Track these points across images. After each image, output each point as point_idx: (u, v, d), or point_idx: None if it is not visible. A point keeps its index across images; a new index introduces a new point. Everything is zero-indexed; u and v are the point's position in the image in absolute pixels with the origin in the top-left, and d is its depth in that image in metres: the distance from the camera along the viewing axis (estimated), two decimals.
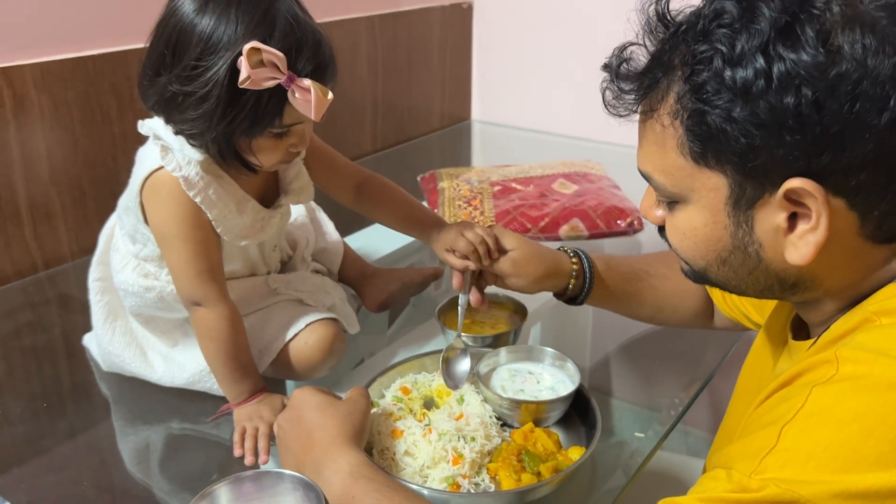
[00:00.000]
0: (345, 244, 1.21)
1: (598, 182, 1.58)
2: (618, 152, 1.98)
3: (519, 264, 0.96)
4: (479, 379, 0.92)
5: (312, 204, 1.21)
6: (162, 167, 0.88)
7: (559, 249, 1.00)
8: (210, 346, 0.93)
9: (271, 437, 0.90)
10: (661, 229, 0.71)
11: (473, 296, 0.99)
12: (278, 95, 0.81)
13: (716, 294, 0.99)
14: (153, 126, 0.90)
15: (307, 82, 0.80)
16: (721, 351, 1.12)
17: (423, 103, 2.12)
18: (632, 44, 0.64)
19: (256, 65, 0.77)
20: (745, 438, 0.58)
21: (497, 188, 1.55)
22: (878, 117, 0.54)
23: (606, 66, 0.65)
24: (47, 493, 0.87)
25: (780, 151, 0.56)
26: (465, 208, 1.47)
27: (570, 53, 2.04)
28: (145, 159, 0.91)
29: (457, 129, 2.25)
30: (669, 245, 0.70)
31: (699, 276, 0.70)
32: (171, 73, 0.81)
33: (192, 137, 0.86)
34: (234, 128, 0.83)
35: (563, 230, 1.42)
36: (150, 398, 1.01)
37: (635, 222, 1.44)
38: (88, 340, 1.08)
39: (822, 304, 0.67)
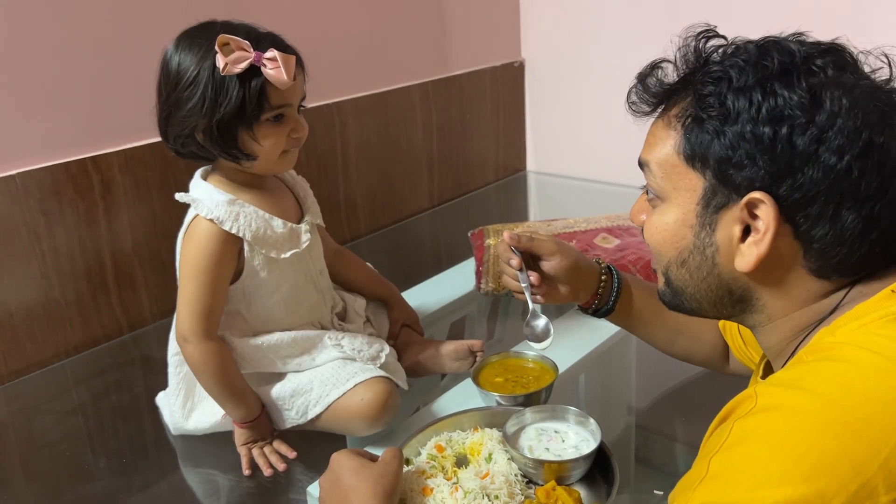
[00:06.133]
0: (399, 305, 1.32)
1: (639, 235, 1.62)
2: None
3: (561, 244, 1.04)
4: (506, 438, 0.99)
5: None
6: (196, 216, 1.04)
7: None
8: (202, 379, 1.08)
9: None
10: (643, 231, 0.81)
11: (532, 275, 1.02)
12: (256, 77, 0.98)
13: (727, 333, 1.04)
14: (184, 195, 1.08)
15: (272, 52, 0.97)
16: None
17: (478, 158, 2.22)
18: (664, 60, 0.77)
19: (228, 53, 0.96)
20: (687, 473, 0.65)
21: None
22: (834, 161, 0.65)
23: (639, 75, 0.78)
24: None
25: (752, 168, 0.67)
26: None
27: (619, 104, 2.11)
28: (184, 222, 1.08)
29: (512, 180, 2.34)
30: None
31: (666, 282, 0.79)
32: (167, 98, 1.01)
33: (191, 139, 1.01)
34: (229, 116, 0.98)
35: None
36: (215, 452, 1.12)
37: None
38: (160, 400, 1.20)
39: (772, 333, 0.75)
